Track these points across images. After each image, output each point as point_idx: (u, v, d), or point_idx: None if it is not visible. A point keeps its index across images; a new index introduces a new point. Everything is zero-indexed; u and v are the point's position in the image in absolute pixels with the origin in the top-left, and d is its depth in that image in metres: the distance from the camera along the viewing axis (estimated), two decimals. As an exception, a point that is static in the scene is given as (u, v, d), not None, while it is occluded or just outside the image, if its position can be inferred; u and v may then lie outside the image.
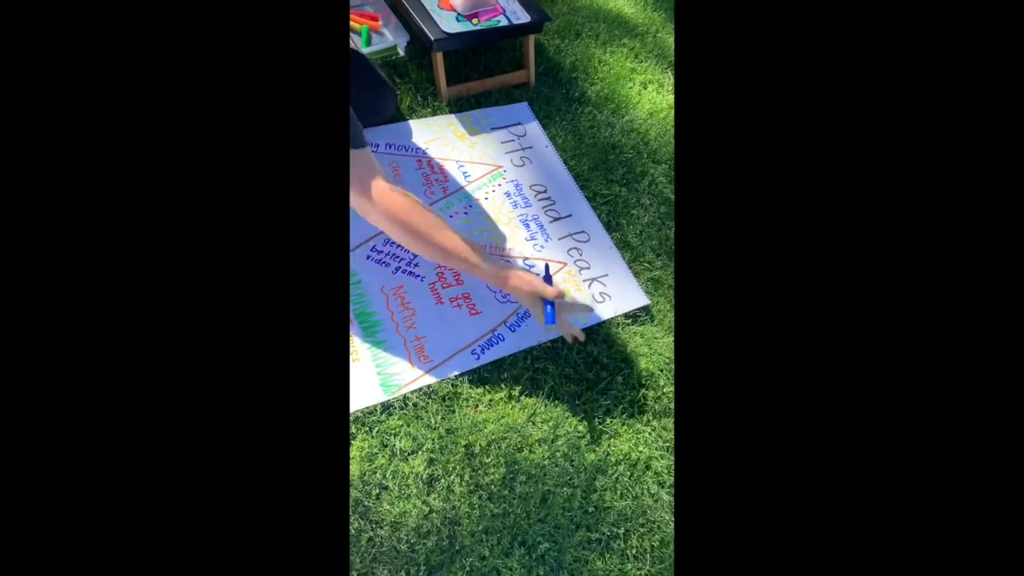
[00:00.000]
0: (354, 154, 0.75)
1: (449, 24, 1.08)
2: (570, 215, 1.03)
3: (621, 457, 0.80)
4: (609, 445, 0.81)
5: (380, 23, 1.22)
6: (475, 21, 1.11)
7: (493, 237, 0.97)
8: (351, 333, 0.83)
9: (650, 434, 0.82)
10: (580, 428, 0.81)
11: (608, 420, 0.82)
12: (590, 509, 0.75)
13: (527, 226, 1.00)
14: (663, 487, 0.78)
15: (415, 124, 1.10)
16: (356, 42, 1.18)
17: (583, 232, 1.01)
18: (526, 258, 0.96)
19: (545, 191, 1.06)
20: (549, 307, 0.79)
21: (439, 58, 1.09)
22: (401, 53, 1.20)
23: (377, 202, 0.75)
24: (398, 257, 0.92)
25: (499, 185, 1.05)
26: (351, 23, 1.20)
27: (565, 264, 0.96)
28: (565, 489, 0.76)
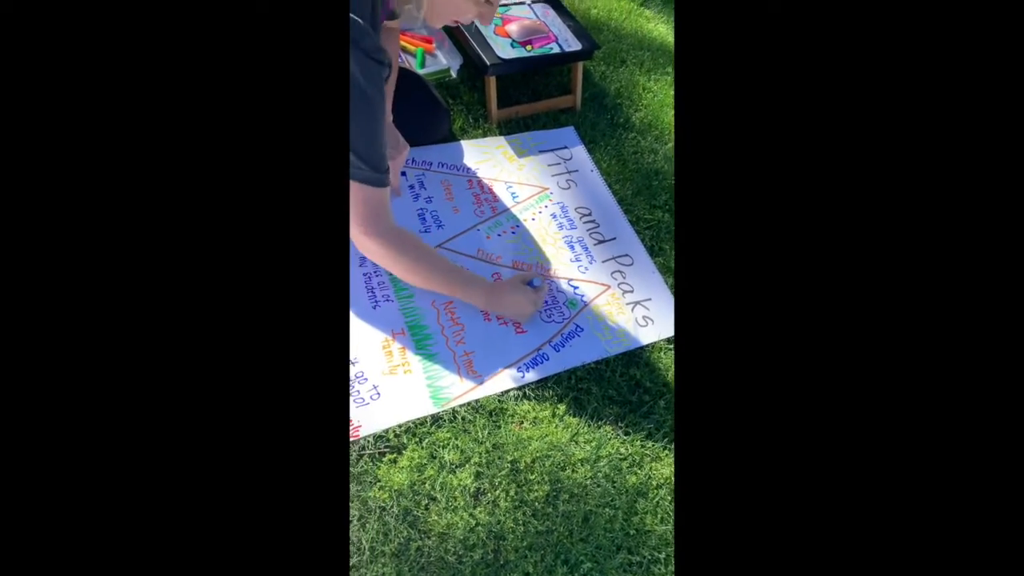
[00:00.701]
0: (372, 190, 0.78)
1: (504, 50, 1.12)
2: (614, 238, 1.05)
3: (663, 481, 0.81)
4: (651, 468, 0.82)
5: (434, 46, 1.27)
6: (529, 48, 1.14)
7: (539, 258, 1.00)
8: (404, 345, 0.86)
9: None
10: (622, 450, 0.82)
11: (650, 443, 0.83)
12: (631, 532, 0.76)
13: (572, 248, 1.02)
14: (704, 513, 0.79)
15: (466, 145, 1.14)
16: (411, 63, 1.23)
17: (627, 256, 1.03)
18: (571, 279, 0.98)
19: (590, 214, 1.08)
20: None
21: (492, 82, 1.13)
22: (454, 75, 1.24)
23: (377, 243, 0.81)
24: (448, 273, 0.95)
25: (545, 207, 1.08)
26: (406, 44, 1.25)
27: (608, 287, 0.98)
28: (607, 510, 0.77)
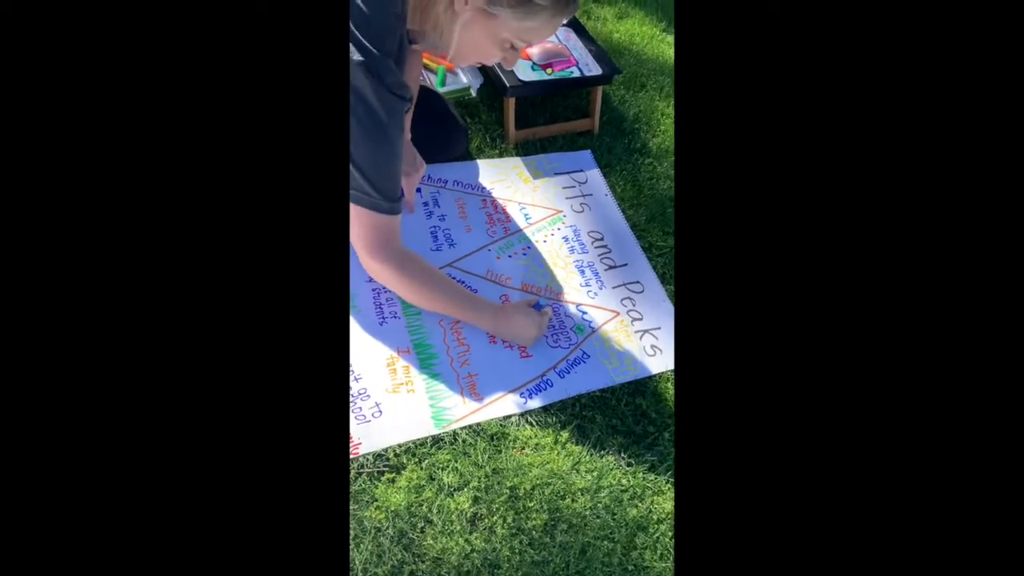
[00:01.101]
0: (383, 218, 0.79)
1: (524, 72, 1.13)
2: (625, 264, 1.04)
3: (664, 516, 0.79)
4: (652, 502, 0.80)
5: (456, 65, 1.28)
6: (549, 71, 1.15)
7: (549, 281, 0.99)
8: (408, 363, 0.85)
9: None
10: (624, 481, 0.81)
11: (652, 476, 0.82)
12: (629, 567, 0.74)
13: (582, 272, 1.02)
14: (704, 552, 0.77)
15: (482, 164, 1.14)
16: (432, 81, 1.24)
17: (638, 283, 1.02)
18: (579, 304, 0.97)
19: (602, 239, 1.07)
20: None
21: (511, 103, 1.14)
22: (473, 94, 1.25)
23: (385, 266, 0.83)
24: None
25: (558, 229, 1.08)
26: (428, 62, 1.26)
27: (617, 313, 0.97)
28: (606, 543, 0.75)
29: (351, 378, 0.83)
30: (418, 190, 1.07)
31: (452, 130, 1.09)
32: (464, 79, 1.26)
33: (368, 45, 0.71)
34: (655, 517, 0.79)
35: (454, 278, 0.96)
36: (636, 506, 0.79)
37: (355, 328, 0.87)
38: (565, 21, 0.87)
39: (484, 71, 1.25)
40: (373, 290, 0.92)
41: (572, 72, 1.16)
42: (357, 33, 0.71)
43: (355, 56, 0.71)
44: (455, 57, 0.80)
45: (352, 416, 0.79)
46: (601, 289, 1.00)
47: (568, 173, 1.17)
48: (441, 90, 1.22)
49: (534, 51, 1.17)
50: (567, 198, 1.13)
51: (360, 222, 0.79)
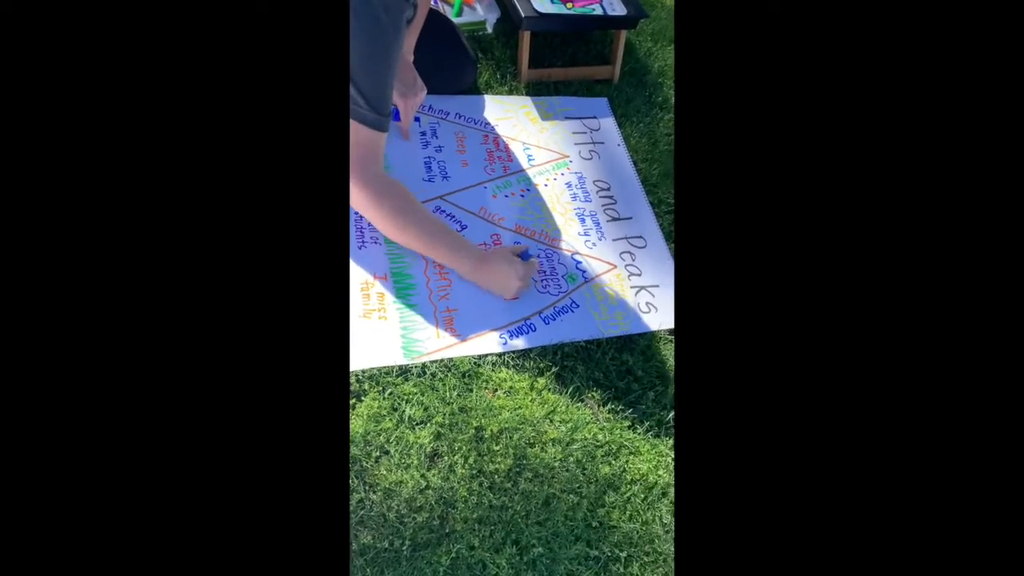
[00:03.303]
0: (367, 132, 0.72)
1: (542, 4, 1.05)
2: (630, 218, 0.98)
3: (638, 477, 0.74)
4: (627, 462, 0.75)
5: (474, -3, 1.21)
6: (569, 5, 1.08)
7: (545, 225, 0.93)
8: (384, 290, 0.81)
9: (673, 460, 0.76)
10: (599, 437, 0.76)
11: (630, 435, 0.77)
12: (594, 524, 0.70)
13: (583, 220, 0.96)
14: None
15: (489, 99, 1.08)
16: (448, 11, 1.18)
17: (640, 237, 0.96)
18: (575, 252, 0.92)
19: (608, 189, 1.01)
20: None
21: (526, 37, 1.07)
22: (489, 30, 1.18)
23: (360, 189, 0.75)
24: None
25: (562, 174, 1.01)
26: (446, -7, 1.20)
27: (614, 266, 0.91)
28: (571, 496, 0.71)
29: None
30: (417, 119, 1.01)
31: (461, 59, 1.03)
32: (481, 12, 1.19)
33: None
34: (628, 477, 0.74)
35: (444, 212, 0.91)
36: (609, 463, 0.74)
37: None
38: None
39: (501, 3, 1.18)
40: (355, 211, 0.87)
41: (594, 9, 1.08)
42: None
43: None
44: None
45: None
46: (601, 240, 0.94)
47: (580, 119, 1.10)
48: (456, 21, 1.15)
49: (556, -17, 1.09)
50: (576, 143, 1.06)
51: None
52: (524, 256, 0.84)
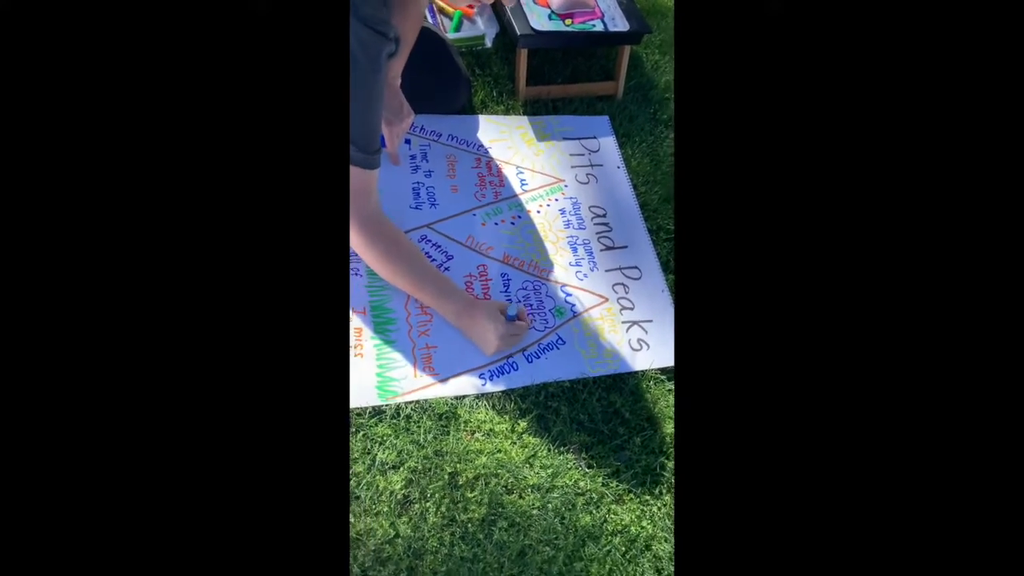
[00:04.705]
0: (356, 172, 0.70)
1: (540, 21, 1.01)
2: (626, 246, 0.94)
3: (619, 528, 0.71)
4: (609, 511, 0.72)
5: (475, 11, 1.18)
6: (568, 22, 1.03)
7: (534, 256, 0.90)
8: (362, 324, 0.79)
9: (659, 510, 0.73)
10: (581, 484, 0.73)
11: (614, 483, 0.73)
12: (570, 579, 0.67)
13: (574, 250, 0.92)
14: (660, 575, 0.68)
15: (483, 120, 1.05)
16: (446, 26, 1.15)
17: (635, 268, 0.92)
18: (564, 284, 0.88)
19: (604, 215, 0.97)
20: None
21: (523, 55, 1.03)
22: (487, 44, 1.15)
23: (360, 234, 0.74)
24: (429, 257, 0.87)
25: (556, 200, 0.98)
26: (444, 6, 1.16)
27: (606, 299, 0.88)
28: (548, 549, 0.68)
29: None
30: (408, 141, 0.98)
31: (453, 80, 1.00)
32: (480, 27, 1.16)
33: None
34: (609, 528, 0.71)
35: (430, 241, 0.88)
36: (591, 512, 0.71)
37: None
38: None
39: (500, 19, 1.14)
40: (342, 244, 0.85)
41: (594, 25, 1.04)
42: None
43: None
44: None
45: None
46: (593, 270, 0.90)
47: (579, 139, 1.06)
48: (453, 36, 1.12)
49: (556, -1, 1.05)
50: (572, 166, 1.02)
51: None
52: (510, 315, 0.78)
